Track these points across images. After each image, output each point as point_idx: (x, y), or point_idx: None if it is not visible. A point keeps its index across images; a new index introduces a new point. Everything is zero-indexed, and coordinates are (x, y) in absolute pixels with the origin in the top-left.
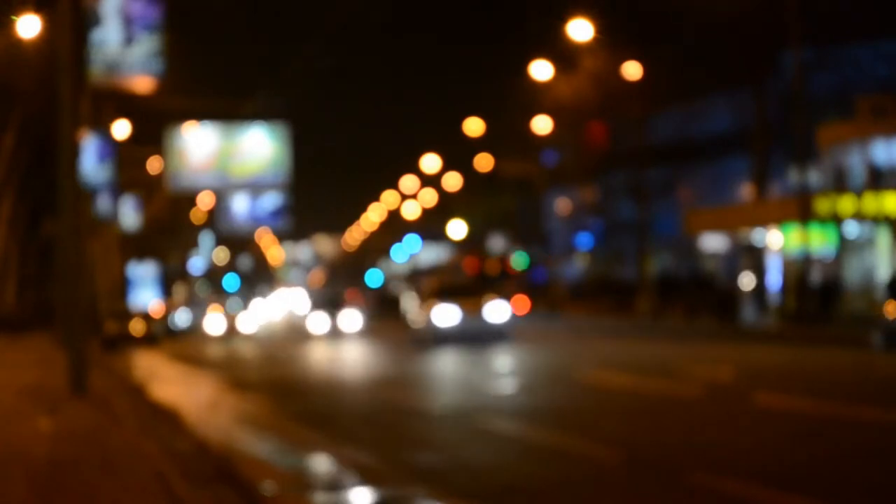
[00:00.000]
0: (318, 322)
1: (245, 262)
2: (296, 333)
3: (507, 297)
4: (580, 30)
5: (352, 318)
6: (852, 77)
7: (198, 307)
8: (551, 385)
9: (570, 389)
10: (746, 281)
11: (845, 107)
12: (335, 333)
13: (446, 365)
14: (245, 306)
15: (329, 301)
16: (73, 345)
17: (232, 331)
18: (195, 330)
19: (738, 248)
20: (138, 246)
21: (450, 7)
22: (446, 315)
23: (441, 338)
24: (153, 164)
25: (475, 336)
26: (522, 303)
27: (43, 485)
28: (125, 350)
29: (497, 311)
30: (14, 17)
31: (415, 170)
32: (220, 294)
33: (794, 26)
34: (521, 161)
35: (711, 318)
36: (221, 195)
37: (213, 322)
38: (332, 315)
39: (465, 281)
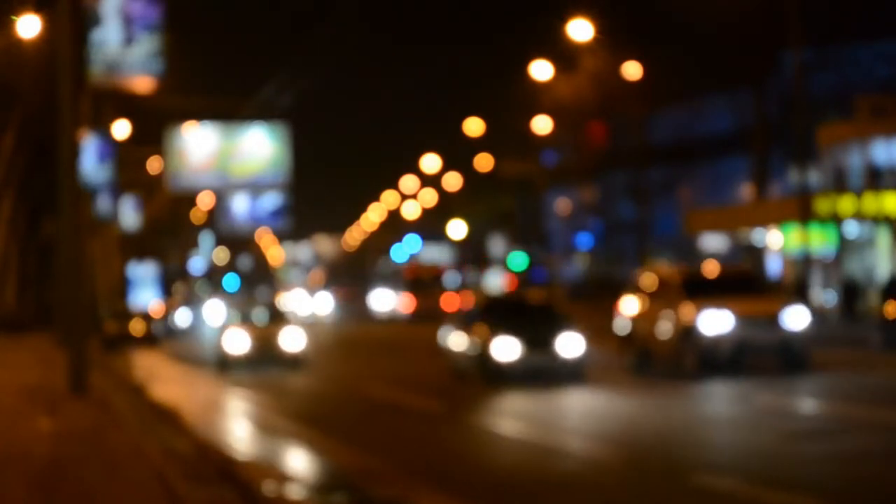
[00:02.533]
0: (506, 347)
1: (245, 262)
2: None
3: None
4: (580, 30)
5: (573, 341)
6: (852, 77)
7: (197, 307)
8: None
9: None
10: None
11: (845, 107)
12: (538, 369)
13: None
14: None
15: (523, 316)
16: (73, 345)
17: (267, 350)
18: (207, 344)
19: (738, 248)
20: (138, 246)
21: (450, 7)
22: (716, 322)
23: (709, 360)
24: (153, 164)
25: (759, 356)
26: (452, 300)
27: (43, 484)
28: (125, 350)
29: (796, 316)
30: (14, 17)
31: (415, 170)
32: (220, 294)
33: (794, 26)
34: (521, 161)
35: None
36: (221, 195)
37: (235, 337)
38: (533, 339)
39: (728, 271)
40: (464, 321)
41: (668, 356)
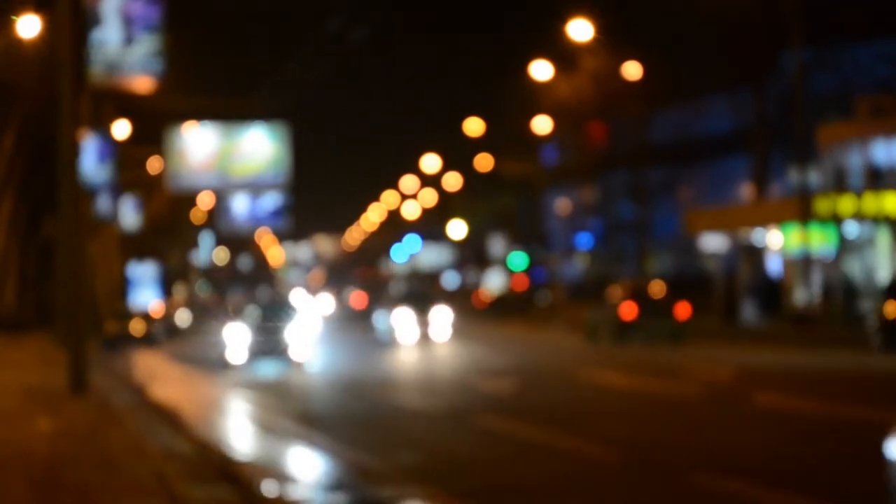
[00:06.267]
0: None
1: (245, 262)
2: None
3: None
4: (580, 30)
5: None
6: (852, 77)
7: (198, 309)
8: None
9: None
10: (746, 281)
11: (845, 107)
12: None
13: None
14: None
15: None
16: (73, 345)
17: None
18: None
19: (738, 248)
20: (138, 246)
21: (450, 7)
22: None
23: None
24: (153, 164)
25: None
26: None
27: (43, 484)
28: (125, 350)
29: None
30: (14, 17)
31: (415, 170)
32: (221, 294)
33: (794, 26)
34: (521, 161)
35: (712, 318)
36: (221, 195)
37: None
38: None
39: None
40: None
41: None
